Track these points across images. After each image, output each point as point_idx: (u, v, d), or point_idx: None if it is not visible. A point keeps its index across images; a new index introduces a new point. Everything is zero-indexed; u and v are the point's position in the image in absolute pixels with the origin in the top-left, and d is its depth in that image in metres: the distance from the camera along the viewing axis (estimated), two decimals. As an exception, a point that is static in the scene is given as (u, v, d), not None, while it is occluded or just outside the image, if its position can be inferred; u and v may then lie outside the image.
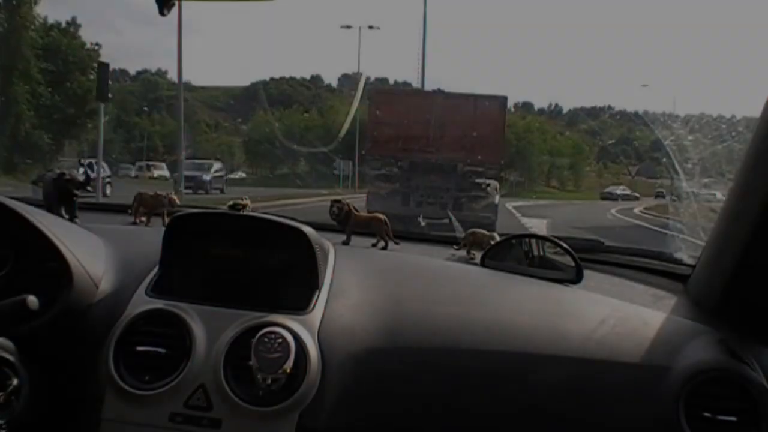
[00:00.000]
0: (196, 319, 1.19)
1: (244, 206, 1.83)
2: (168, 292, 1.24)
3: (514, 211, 14.99)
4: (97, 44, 27.34)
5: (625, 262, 1.74)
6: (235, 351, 1.14)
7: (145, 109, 42.87)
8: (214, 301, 1.23)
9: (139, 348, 1.16)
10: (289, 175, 31.81)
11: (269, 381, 1.10)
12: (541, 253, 1.63)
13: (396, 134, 11.57)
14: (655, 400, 1.12)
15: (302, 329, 1.17)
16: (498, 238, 1.66)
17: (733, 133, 1.65)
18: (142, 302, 1.22)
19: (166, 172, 28.07)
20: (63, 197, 1.69)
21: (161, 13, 0.95)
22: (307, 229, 1.31)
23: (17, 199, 1.31)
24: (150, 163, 30.97)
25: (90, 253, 1.30)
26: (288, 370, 1.10)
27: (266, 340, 1.11)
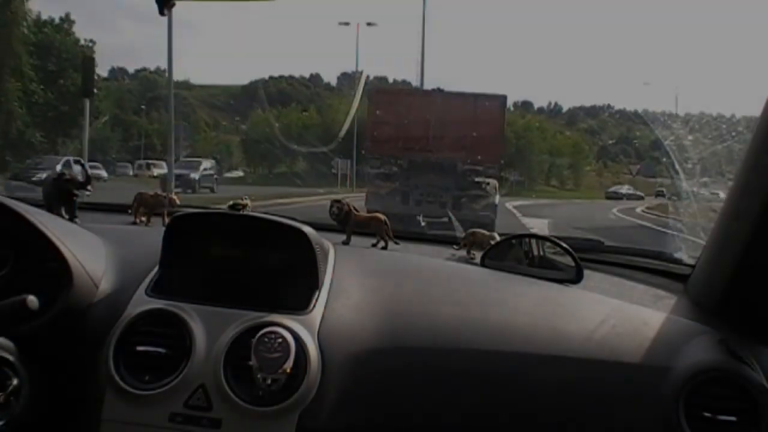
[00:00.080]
0: (196, 319, 1.19)
1: (245, 206, 1.83)
2: (168, 292, 1.24)
3: (514, 211, 14.97)
4: (91, 41, 27.28)
5: (625, 262, 1.74)
6: (235, 351, 1.14)
7: (143, 107, 42.84)
8: (214, 301, 1.22)
9: (139, 348, 1.16)
10: (288, 173, 31.80)
11: (269, 381, 1.10)
12: (541, 253, 1.63)
13: (395, 133, 11.58)
14: (655, 400, 1.12)
15: (302, 329, 1.17)
16: (498, 238, 1.66)
17: (733, 133, 1.66)
18: (142, 302, 1.22)
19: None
20: (63, 197, 1.69)
21: (161, 13, 0.96)
22: (308, 229, 1.31)
23: (17, 199, 1.31)
24: (150, 161, 30.85)
25: (90, 253, 1.30)
26: (288, 370, 1.10)
27: (266, 340, 1.11)
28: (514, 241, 1.66)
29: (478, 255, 1.63)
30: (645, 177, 34.55)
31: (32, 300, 1.08)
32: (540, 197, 26.36)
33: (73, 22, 26.23)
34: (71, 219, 1.65)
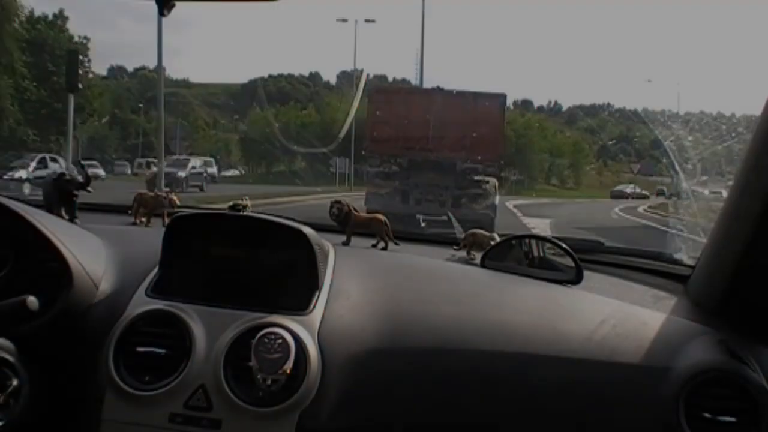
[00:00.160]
0: (196, 320, 1.19)
1: (245, 207, 1.83)
2: (168, 292, 1.24)
3: (515, 210, 14.96)
4: (85, 37, 27.04)
5: (624, 262, 1.74)
6: (235, 351, 1.14)
7: (141, 106, 42.78)
8: (214, 301, 1.22)
9: (139, 348, 1.16)
10: (286, 172, 31.76)
11: (269, 381, 1.10)
12: (541, 253, 1.63)
13: (395, 132, 11.59)
14: (655, 400, 1.12)
15: (302, 330, 1.17)
16: (498, 239, 1.66)
17: (733, 134, 1.66)
18: (142, 303, 1.22)
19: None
20: (63, 197, 1.68)
21: (161, 13, 0.95)
22: (307, 230, 1.31)
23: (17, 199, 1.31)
24: (150, 160, 30.74)
25: (90, 253, 1.30)
26: (288, 371, 1.10)
27: (266, 340, 1.11)
28: (513, 241, 1.66)
29: (478, 256, 1.63)
30: (645, 176, 34.58)
31: (32, 300, 1.08)
32: (540, 196, 26.36)
33: (66, 18, 25.94)
34: (71, 219, 1.64)
